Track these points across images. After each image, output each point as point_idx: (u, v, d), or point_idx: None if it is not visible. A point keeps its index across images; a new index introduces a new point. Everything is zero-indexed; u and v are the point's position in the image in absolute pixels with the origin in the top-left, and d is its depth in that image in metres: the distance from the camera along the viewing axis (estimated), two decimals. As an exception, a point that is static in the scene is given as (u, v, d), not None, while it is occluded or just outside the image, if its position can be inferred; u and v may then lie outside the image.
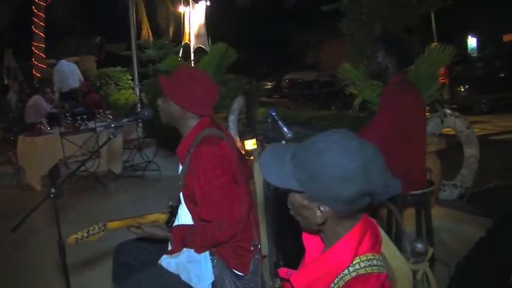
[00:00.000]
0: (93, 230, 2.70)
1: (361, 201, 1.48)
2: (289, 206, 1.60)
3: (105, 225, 2.74)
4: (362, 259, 1.50)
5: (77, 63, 15.81)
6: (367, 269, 1.48)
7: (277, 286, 2.80)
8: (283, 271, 1.71)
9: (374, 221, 1.62)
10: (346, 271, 1.50)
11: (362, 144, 1.47)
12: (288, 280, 1.66)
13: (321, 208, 1.48)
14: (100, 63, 21.23)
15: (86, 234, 2.67)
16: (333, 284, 1.51)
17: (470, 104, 14.21)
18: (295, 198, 1.54)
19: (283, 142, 2.94)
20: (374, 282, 1.47)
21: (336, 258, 1.53)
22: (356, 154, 1.44)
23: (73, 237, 2.64)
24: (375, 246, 1.55)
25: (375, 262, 1.50)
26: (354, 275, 1.48)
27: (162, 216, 2.95)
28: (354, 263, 1.50)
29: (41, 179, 7.68)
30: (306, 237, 1.69)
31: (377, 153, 1.47)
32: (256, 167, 3.17)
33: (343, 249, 1.52)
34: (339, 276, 1.50)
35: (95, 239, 2.71)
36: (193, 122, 2.77)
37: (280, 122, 3.14)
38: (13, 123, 11.17)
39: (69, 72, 13.56)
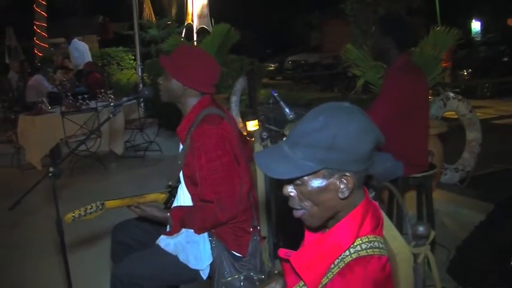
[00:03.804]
0: (91, 208, 2.68)
1: (372, 155, 1.49)
2: (299, 205, 1.54)
3: (103, 204, 2.72)
4: (363, 241, 1.49)
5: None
6: (368, 250, 1.47)
7: (276, 272, 2.79)
8: (282, 251, 1.69)
9: (376, 203, 1.60)
10: (347, 252, 1.48)
11: (346, 103, 1.52)
12: (287, 260, 1.65)
13: (343, 179, 1.45)
14: (102, 43, 21.15)
15: (83, 213, 2.66)
16: (333, 265, 1.50)
17: (473, 88, 14.14)
18: (310, 186, 1.48)
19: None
20: (375, 264, 1.45)
21: (336, 239, 1.51)
22: (354, 110, 1.48)
23: (70, 215, 2.63)
24: (377, 228, 1.53)
25: (376, 244, 1.49)
26: (354, 257, 1.47)
27: (161, 196, 2.93)
28: (354, 244, 1.48)
29: (42, 159, 7.63)
30: None
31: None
32: (257, 148, 3.15)
33: (344, 230, 1.51)
34: (340, 258, 1.49)
35: (92, 217, 2.69)
36: (194, 100, 2.75)
37: (282, 103, 3.12)
38: (14, 103, 11.14)
39: (85, 50, 14.00)
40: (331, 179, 1.46)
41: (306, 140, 1.45)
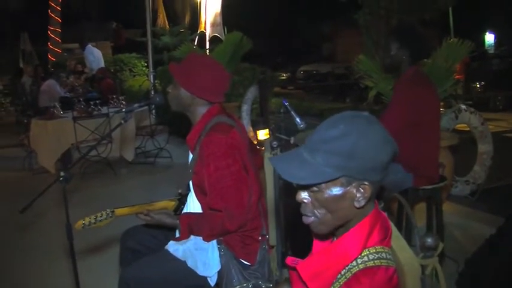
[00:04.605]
0: (101, 216, 2.68)
1: (389, 166, 1.49)
2: (311, 212, 1.52)
3: (113, 211, 2.72)
4: (371, 251, 1.48)
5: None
6: (376, 261, 1.46)
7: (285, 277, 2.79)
8: (290, 259, 1.69)
9: (385, 214, 1.59)
10: (354, 263, 1.48)
11: (364, 113, 1.52)
12: (294, 269, 1.64)
13: (361, 188, 1.45)
14: (115, 49, 21.22)
15: (93, 220, 2.66)
16: (340, 275, 1.49)
17: (485, 100, 14.06)
18: (327, 193, 1.47)
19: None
20: (382, 276, 1.44)
21: (344, 249, 1.51)
22: (373, 119, 1.48)
23: (80, 222, 2.63)
24: (385, 239, 1.52)
25: (383, 255, 1.48)
26: (361, 267, 1.46)
27: (171, 204, 2.93)
28: (362, 255, 1.48)
29: (55, 162, 7.69)
30: None
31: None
32: (266, 156, 3.15)
33: (352, 240, 1.50)
34: (347, 268, 1.48)
35: (102, 225, 2.69)
36: (203, 109, 2.75)
37: (292, 112, 3.13)
38: (27, 107, 11.20)
39: (99, 56, 14.28)
40: (348, 188, 1.46)
41: (326, 147, 1.44)
